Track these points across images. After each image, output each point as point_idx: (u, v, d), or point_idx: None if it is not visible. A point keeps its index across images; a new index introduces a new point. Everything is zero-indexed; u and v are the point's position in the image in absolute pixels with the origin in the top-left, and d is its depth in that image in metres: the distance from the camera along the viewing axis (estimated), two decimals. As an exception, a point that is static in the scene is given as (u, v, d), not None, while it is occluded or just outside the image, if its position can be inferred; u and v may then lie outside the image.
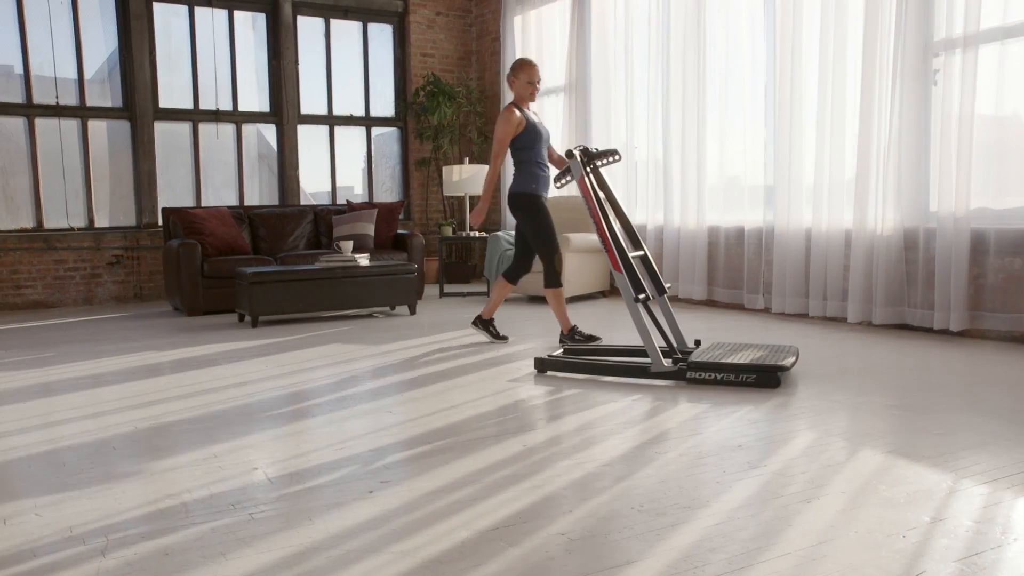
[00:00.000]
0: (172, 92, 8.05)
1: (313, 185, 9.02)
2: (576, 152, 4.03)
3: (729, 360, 3.69)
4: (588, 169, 4.10)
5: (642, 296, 3.86)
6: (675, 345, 4.09)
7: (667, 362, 3.78)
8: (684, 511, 2.16)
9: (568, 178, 4.14)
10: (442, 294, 7.66)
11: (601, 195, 4.16)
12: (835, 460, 2.57)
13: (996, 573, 1.76)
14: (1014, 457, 2.55)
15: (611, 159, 4.09)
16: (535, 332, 5.34)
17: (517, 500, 2.27)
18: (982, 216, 4.64)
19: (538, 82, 4.65)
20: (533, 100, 4.68)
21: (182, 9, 8.02)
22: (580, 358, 3.98)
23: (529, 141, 4.61)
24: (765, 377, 3.58)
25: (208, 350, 4.89)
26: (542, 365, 4.05)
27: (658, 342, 4.43)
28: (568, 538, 2.00)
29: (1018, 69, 4.43)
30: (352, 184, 9.23)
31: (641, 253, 4.20)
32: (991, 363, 4.05)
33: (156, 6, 7.87)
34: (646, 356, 4.15)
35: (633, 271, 3.88)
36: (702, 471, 2.49)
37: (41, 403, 3.59)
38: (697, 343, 4.36)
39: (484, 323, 4.95)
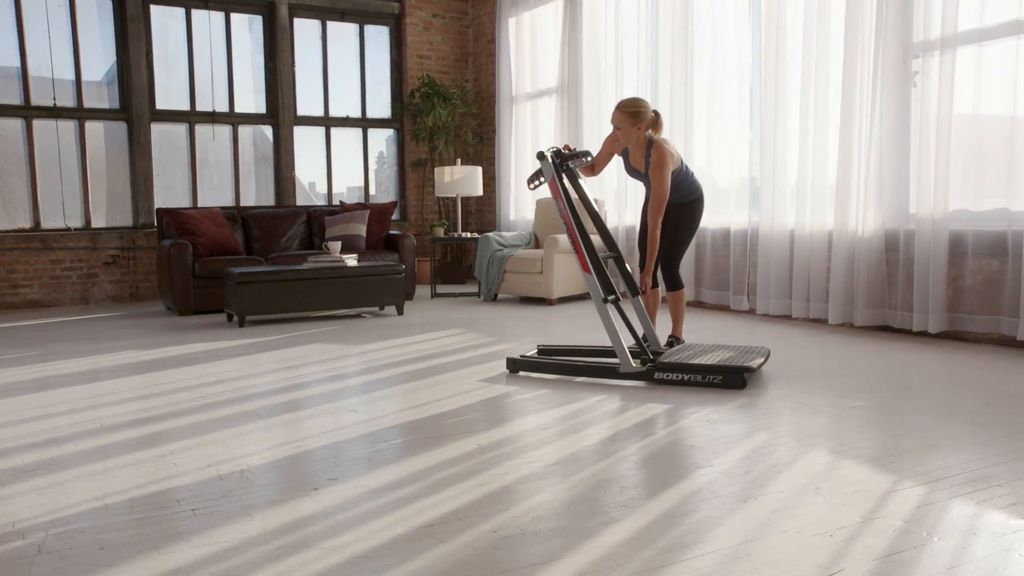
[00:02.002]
0: (169, 94, 8.12)
1: (320, 187, 9.10)
2: (548, 153, 4.05)
3: (697, 361, 3.70)
4: (561, 170, 4.12)
5: (611, 297, 3.88)
6: (647, 346, 4.10)
7: (636, 363, 3.80)
8: (620, 509, 2.18)
9: (540, 180, 4.16)
10: (434, 295, 7.69)
11: (574, 196, 4.17)
12: (782, 460, 2.58)
13: (911, 572, 1.77)
14: (961, 458, 2.55)
15: (584, 160, 4.11)
16: (519, 332, 5.36)
17: (458, 498, 2.29)
18: (960, 218, 4.63)
19: (616, 127, 4.23)
20: (619, 141, 4.30)
21: (179, 11, 8.09)
22: (551, 358, 4.00)
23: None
24: (731, 378, 3.59)
25: (190, 349, 4.94)
26: (514, 365, 4.07)
27: (629, 343, 4.45)
28: (499, 535, 2.02)
29: (995, 71, 4.42)
30: (361, 184, 9.28)
31: (615, 254, 4.21)
32: (965, 365, 4.04)
33: (153, 8, 7.94)
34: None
35: (603, 272, 3.90)
36: (648, 471, 2.51)
37: (8, 402, 3.64)
38: (670, 344, 4.37)
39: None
